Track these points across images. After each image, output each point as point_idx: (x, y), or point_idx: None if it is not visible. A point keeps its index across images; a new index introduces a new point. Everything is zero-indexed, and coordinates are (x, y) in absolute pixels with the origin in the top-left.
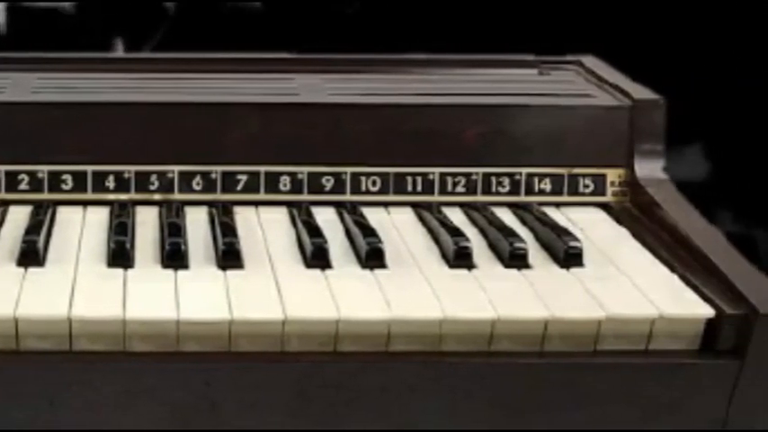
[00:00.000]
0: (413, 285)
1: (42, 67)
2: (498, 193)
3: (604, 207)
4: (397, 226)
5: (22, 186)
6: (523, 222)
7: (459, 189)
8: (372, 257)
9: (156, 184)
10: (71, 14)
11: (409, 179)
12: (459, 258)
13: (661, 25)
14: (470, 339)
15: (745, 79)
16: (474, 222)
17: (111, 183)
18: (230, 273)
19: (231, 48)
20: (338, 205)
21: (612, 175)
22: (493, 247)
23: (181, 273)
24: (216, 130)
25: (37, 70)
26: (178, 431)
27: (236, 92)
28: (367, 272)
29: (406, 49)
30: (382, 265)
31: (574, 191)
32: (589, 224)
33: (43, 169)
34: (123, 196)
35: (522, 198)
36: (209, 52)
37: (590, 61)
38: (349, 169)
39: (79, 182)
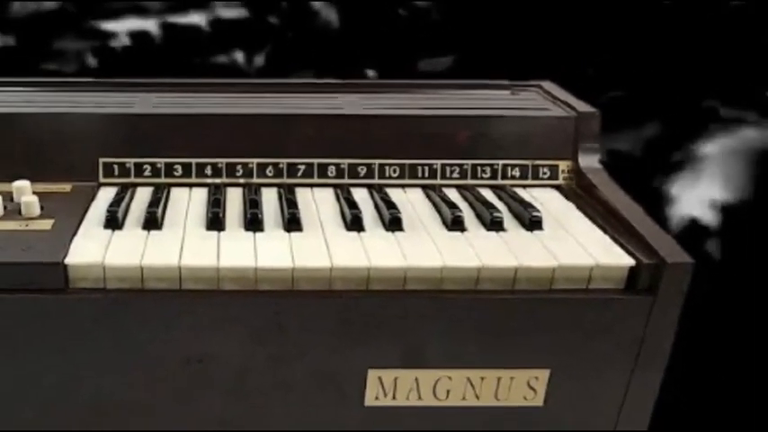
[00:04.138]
0: (422, 243)
1: (160, 89)
2: (482, 178)
3: (557, 188)
4: (410, 201)
5: (146, 173)
6: (500, 198)
7: (455, 175)
8: (393, 224)
9: (241, 171)
10: None
11: (419, 168)
12: (455, 224)
13: (598, 60)
14: (462, 281)
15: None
16: (465, 199)
17: (209, 171)
18: (293, 234)
19: None
20: (369, 187)
21: (563, 165)
22: (479, 216)
23: (258, 234)
24: (283, 133)
25: (157, 90)
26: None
27: (297, 107)
28: (389, 234)
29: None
30: (400, 229)
31: (536, 176)
32: (546, 200)
33: (161, 161)
34: (217, 180)
35: (499, 181)
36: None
37: (547, 85)
38: (377, 161)
39: (186, 170)
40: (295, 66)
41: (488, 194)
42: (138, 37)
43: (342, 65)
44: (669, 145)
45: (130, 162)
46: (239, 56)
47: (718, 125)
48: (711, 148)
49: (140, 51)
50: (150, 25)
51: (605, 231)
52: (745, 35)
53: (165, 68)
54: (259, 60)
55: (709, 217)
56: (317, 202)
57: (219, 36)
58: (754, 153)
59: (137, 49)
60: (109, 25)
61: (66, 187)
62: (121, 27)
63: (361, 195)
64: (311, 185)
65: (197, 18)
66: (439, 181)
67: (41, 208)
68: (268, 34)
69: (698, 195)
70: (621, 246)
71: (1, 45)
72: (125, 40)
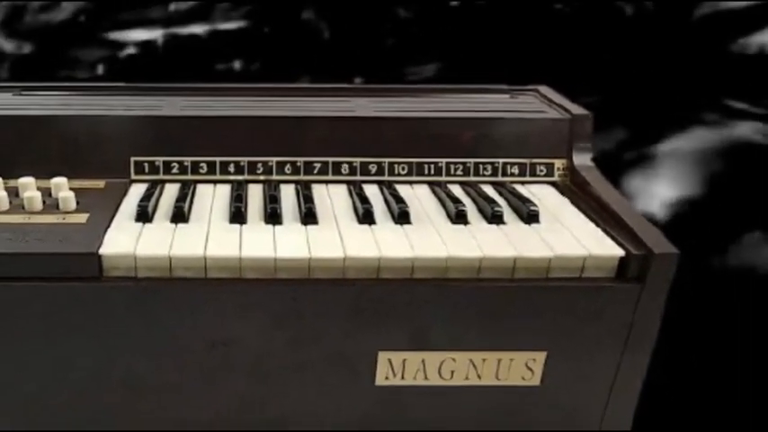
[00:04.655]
0: (428, 235)
1: (186, 92)
2: (484, 175)
3: (553, 184)
4: (418, 197)
5: (174, 171)
6: (500, 194)
7: (459, 173)
8: (402, 217)
9: (261, 169)
10: None
11: (426, 166)
12: (459, 218)
13: (590, 67)
14: (466, 270)
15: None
16: (468, 194)
17: (231, 168)
18: (309, 227)
19: None
20: (380, 183)
21: (558, 163)
22: (481, 210)
23: (277, 227)
24: (300, 134)
25: (183, 95)
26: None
27: (313, 109)
28: (398, 226)
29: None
30: (408, 222)
31: (533, 173)
32: (543, 195)
33: (188, 159)
34: (240, 177)
35: (500, 178)
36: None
37: (544, 89)
38: (387, 159)
39: (211, 168)
40: (294, 72)
41: (489, 190)
42: (147, 46)
43: (340, 72)
44: (637, 144)
45: (159, 160)
46: (240, 63)
47: (684, 126)
48: (681, 146)
49: (148, 59)
50: (159, 35)
51: (597, 224)
52: (711, 44)
53: (170, 74)
54: (258, 66)
55: (664, 213)
56: (332, 198)
57: (222, 45)
58: (713, 153)
59: (144, 57)
60: (122, 35)
61: (100, 184)
62: (133, 37)
63: (372, 191)
64: (326, 182)
65: (203, 29)
66: (444, 178)
67: (77, 203)
68: (267, 44)
69: (655, 193)
70: (612, 238)
71: (27, 53)
72: (134, 50)
